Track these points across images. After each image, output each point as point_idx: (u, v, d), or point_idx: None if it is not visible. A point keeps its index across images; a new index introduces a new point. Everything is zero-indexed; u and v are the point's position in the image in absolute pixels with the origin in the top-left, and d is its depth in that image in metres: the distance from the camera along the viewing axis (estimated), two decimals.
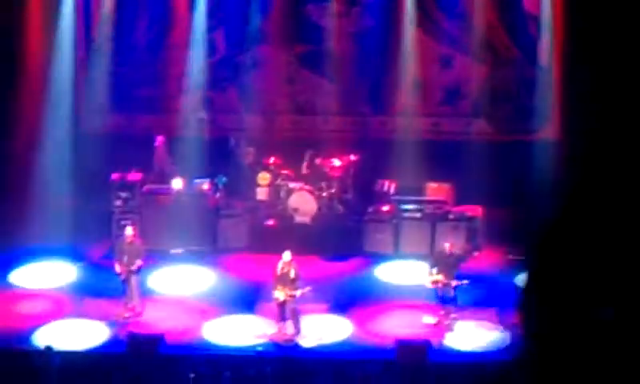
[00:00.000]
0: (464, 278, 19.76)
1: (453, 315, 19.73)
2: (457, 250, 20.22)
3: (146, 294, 20.66)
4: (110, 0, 24.03)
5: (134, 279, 20.15)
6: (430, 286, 19.80)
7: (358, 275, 21.99)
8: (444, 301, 19.78)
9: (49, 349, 17.62)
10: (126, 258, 20.13)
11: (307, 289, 19.44)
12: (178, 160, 23.64)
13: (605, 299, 7.14)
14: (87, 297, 20.85)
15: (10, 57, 23.17)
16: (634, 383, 6.48)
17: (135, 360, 18.11)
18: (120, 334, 19.40)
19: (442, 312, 19.77)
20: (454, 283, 19.63)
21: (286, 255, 19.51)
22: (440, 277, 19.67)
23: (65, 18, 23.81)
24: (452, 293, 19.73)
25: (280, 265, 19.51)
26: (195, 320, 20.14)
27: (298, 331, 19.49)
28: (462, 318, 19.90)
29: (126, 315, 20.02)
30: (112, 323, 19.86)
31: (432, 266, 19.85)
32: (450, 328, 19.62)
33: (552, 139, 23.67)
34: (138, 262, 20.11)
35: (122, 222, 22.13)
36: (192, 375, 17.37)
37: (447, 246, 20.08)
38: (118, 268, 20.15)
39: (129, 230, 20.63)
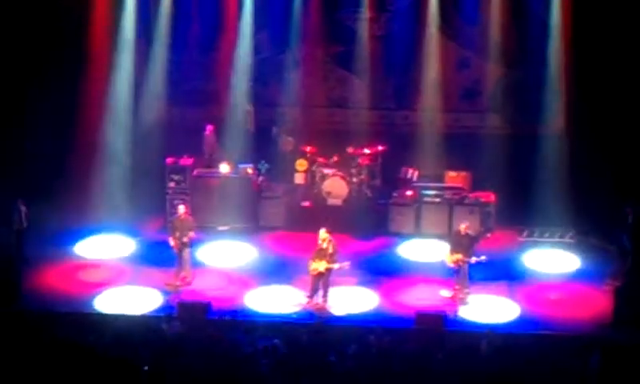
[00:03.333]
0: (480, 256, 19.53)
1: (466, 290, 19.52)
2: (470, 231, 19.98)
3: (195, 265, 20.56)
4: (167, 2, 23.83)
5: (185, 252, 20.09)
6: (451, 265, 19.55)
7: (383, 253, 21.82)
8: (459, 277, 19.56)
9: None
10: (178, 233, 20.05)
11: (346, 263, 19.28)
12: (226, 147, 23.50)
13: None
14: (143, 267, 20.81)
15: (78, 54, 23.10)
16: None
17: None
18: (171, 301, 19.30)
19: (457, 287, 19.56)
20: (473, 260, 19.39)
21: (323, 232, 19.32)
22: (459, 255, 19.44)
23: (126, 19, 23.67)
24: (467, 269, 19.50)
25: (320, 240, 19.32)
26: (238, 290, 20.02)
27: (326, 301, 19.33)
28: (475, 292, 19.71)
29: (177, 284, 19.95)
30: (165, 291, 19.78)
31: (452, 248, 19.61)
32: (464, 301, 19.41)
33: (558, 133, 23.32)
34: (191, 234, 20.01)
35: (175, 202, 22.13)
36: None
37: (462, 227, 19.84)
38: (171, 242, 20.08)
39: (181, 208, 20.58)
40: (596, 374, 16.12)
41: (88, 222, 22.13)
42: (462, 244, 19.59)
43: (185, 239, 19.98)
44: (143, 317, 18.57)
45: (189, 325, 17.63)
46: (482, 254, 19.58)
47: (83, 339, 16.76)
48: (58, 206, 22.19)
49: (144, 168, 23.07)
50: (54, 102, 22.97)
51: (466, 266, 19.52)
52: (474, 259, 19.45)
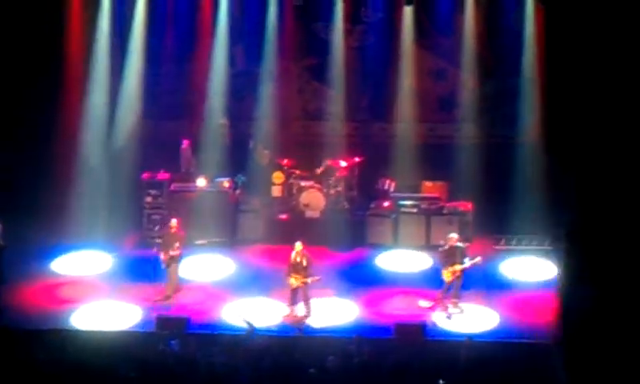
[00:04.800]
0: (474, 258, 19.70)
1: (457, 300, 19.57)
2: (459, 243, 19.99)
3: (180, 280, 20.47)
4: (141, 16, 23.81)
5: (173, 266, 20.08)
6: (449, 279, 19.57)
7: (361, 264, 21.88)
8: (452, 289, 19.57)
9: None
10: (167, 247, 20.03)
11: (317, 278, 19.34)
12: (202, 161, 23.50)
13: None
14: (120, 283, 20.72)
15: (52, 68, 23.06)
16: None
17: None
18: (150, 316, 19.23)
19: (440, 296, 19.59)
20: (468, 265, 19.49)
21: (298, 245, 19.39)
22: (456, 267, 19.52)
23: (101, 33, 23.63)
24: (462, 280, 19.58)
25: (293, 254, 19.39)
26: (217, 303, 20.00)
27: (308, 313, 19.37)
28: (455, 302, 19.81)
29: (156, 299, 19.90)
30: (143, 306, 19.72)
31: (446, 263, 19.62)
32: (445, 310, 19.45)
33: (534, 142, 23.46)
34: (174, 248, 19.96)
35: (152, 216, 22.27)
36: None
37: (453, 238, 19.82)
38: (162, 256, 20.05)
39: (173, 222, 20.50)
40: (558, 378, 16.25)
41: (64, 239, 22.02)
42: (455, 256, 19.64)
43: (174, 254, 19.96)
44: (137, 334, 18.48)
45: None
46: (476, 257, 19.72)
47: (60, 356, 16.72)
48: (34, 223, 22.09)
49: (120, 183, 23.04)
50: (29, 117, 22.89)
51: (461, 277, 19.57)
52: (468, 264, 19.49)
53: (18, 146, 22.80)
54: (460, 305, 19.59)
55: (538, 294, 20.35)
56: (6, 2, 22.76)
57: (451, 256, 19.64)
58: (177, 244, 19.95)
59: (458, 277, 19.58)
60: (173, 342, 17.12)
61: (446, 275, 19.61)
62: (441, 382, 15.90)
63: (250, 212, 22.79)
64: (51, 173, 22.73)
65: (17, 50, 22.94)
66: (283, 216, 22.94)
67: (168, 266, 20.01)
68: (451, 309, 19.49)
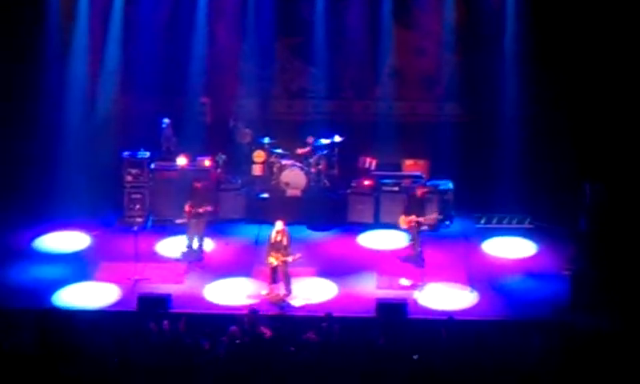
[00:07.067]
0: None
1: (419, 249, 20.33)
2: (426, 194, 20.65)
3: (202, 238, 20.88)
4: None
5: (201, 222, 20.67)
6: (404, 226, 20.33)
7: (342, 242, 22.02)
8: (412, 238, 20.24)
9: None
10: (193, 202, 20.59)
11: (298, 255, 19.49)
12: (183, 139, 23.55)
13: None
14: (101, 261, 20.81)
15: (30, 45, 23.01)
16: None
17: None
18: (130, 295, 19.32)
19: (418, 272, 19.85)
20: (423, 219, 20.23)
21: (279, 224, 19.53)
22: (413, 217, 20.06)
23: (82, 9, 23.61)
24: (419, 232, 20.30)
25: (273, 233, 19.53)
26: (197, 282, 20.13)
27: (289, 292, 19.54)
28: (434, 279, 19.98)
29: (135, 278, 20.03)
30: (123, 285, 19.82)
31: (407, 211, 20.30)
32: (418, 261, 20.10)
33: (515, 119, 23.58)
34: (206, 207, 20.60)
35: (132, 196, 22.39)
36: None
37: (422, 188, 20.53)
38: (186, 208, 20.62)
39: (197, 182, 21.01)
40: (538, 356, 16.49)
41: (45, 217, 22.08)
42: (420, 207, 20.30)
43: (200, 210, 20.53)
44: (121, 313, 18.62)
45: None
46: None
47: (42, 335, 16.85)
48: (13, 202, 22.17)
49: (100, 161, 23.08)
50: (7, 95, 22.91)
51: (418, 229, 20.23)
52: (427, 217, 20.35)
53: None
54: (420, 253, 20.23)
55: (517, 273, 20.59)
56: None
57: (415, 205, 20.22)
58: (206, 206, 20.64)
59: (412, 227, 20.14)
60: (165, 321, 17.22)
61: (402, 221, 20.23)
62: (415, 357, 16.13)
63: (231, 191, 22.89)
64: (32, 155, 22.77)
65: None
66: (264, 195, 23.05)
67: (190, 220, 20.48)
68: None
